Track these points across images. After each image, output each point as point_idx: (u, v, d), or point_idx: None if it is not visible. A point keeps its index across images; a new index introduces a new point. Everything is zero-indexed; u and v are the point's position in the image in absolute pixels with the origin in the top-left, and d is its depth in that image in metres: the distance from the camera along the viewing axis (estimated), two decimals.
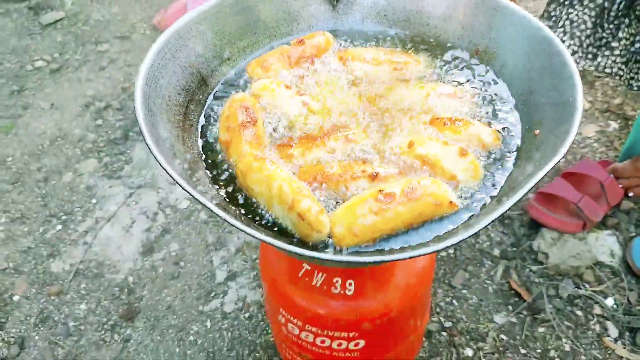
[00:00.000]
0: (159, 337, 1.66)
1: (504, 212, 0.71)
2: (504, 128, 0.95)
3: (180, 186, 0.73)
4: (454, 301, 1.73)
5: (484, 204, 0.83)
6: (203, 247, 1.84)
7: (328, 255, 0.74)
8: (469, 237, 0.69)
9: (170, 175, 0.74)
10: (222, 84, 1.06)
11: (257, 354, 1.62)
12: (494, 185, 0.86)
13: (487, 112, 0.98)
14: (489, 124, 0.95)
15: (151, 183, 2.06)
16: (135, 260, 1.81)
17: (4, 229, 1.92)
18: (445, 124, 0.92)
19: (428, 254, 0.68)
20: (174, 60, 0.97)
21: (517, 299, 1.73)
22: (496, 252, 1.85)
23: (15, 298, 1.72)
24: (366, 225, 0.78)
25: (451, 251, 1.85)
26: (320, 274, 1.13)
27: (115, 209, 1.97)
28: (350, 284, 1.12)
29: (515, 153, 0.90)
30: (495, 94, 1.02)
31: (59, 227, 1.92)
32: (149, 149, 0.76)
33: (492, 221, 0.70)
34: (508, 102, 1.00)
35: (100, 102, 2.43)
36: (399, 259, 0.69)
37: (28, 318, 1.71)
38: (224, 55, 1.08)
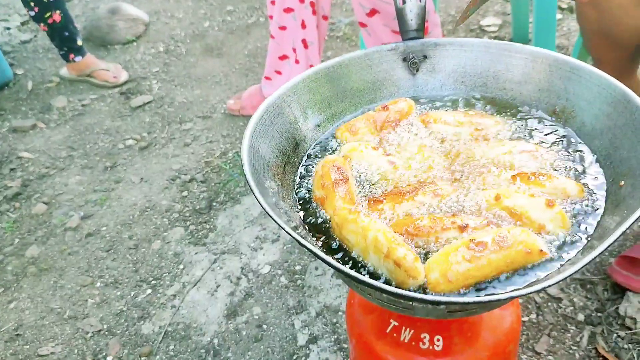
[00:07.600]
0: None
1: (596, 257, 0.74)
2: (586, 182, 0.98)
3: (289, 234, 0.80)
4: None
5: (576, 253, 0.85)
6: (284, 311, 1.89)
7: (443, 297, 0.78)
8: (565, 278, 0.72)
9: (280, 226, 0.81)
10: (313, 147, 1.16)
11: None
12: (581, 235, 0.88)
13: (568, 167, 1.01)
14: (572, 177, 0.99)
15: (234, 249, 2.16)
16: (220, 323, 1.87)
17: (99, 293, 2.05)
18: (529, 178, 0.96)
19: (531, 293, 0.72)
20: (272, 126, 1.07)
21: None
22: (580, 317, 1.80)
23: (109, 359, 1.81)
24: (460, 272, 0.81)
25: (533, 316, 1.81)
26: (408, 329, 1.16)
27: (201, 274, 2.07)
28: (438, 340, 1.14)
29: (601, 204, 0.93)
30: (576, 150, 1.05)
31: (149, 291, 2.03)
32: (259, 203, 0.85)
33: (587, 264, 0.73)
34: (589, 157, 1.03)
35: (185, 176, 2.60)
36: (509, 297, 0.72)
37: None
38: (314, 122, 1.18)
